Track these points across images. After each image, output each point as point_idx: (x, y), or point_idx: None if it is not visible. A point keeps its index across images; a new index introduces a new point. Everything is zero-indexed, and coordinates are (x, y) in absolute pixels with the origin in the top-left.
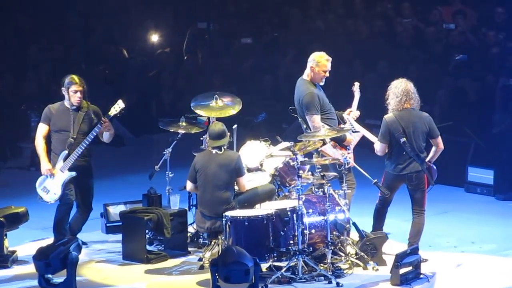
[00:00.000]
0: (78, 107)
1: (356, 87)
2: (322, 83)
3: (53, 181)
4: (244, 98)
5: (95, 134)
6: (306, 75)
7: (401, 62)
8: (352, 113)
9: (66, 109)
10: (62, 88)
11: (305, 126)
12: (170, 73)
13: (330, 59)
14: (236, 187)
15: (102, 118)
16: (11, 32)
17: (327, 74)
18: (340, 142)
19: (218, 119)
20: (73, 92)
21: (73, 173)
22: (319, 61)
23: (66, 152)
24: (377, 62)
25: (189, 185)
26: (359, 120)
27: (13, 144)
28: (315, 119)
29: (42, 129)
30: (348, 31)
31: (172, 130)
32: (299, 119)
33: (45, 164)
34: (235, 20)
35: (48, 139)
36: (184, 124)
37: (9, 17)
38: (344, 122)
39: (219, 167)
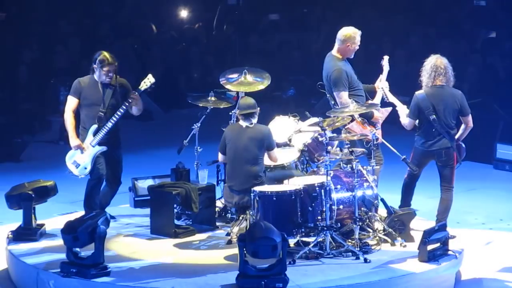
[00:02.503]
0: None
1: (385, 60)
2: (351, 57)
3: (83, 156)
4: (273, 73)
5: (125, 108)
6: (335, 50)
7: (430, 39)
8: (380, 83)
9: (95, 83)
10: (93, 65)
11: (333, 102)
12: (199, 48)
13: (360, 32)
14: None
15: (132, 92)
16: (41, 6)
17: (357, 47)
18: (368, 118)
19: (247, 94)
20: (106, 71)
21: (104, 148)
22: (352, 36)
23: (96, 126)
24: (407, 38)
25: (221, 157)
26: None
27: (42, 118)
28: (343, 96)
29: (71, 103)
30: (377, 7)
31: (201, 105)
32: (327, 95)
33: (74, 140)
34: None
35: (76, 113)
36: (213, 99)
37: None
38: (373, 97)
39: (250, 141)
